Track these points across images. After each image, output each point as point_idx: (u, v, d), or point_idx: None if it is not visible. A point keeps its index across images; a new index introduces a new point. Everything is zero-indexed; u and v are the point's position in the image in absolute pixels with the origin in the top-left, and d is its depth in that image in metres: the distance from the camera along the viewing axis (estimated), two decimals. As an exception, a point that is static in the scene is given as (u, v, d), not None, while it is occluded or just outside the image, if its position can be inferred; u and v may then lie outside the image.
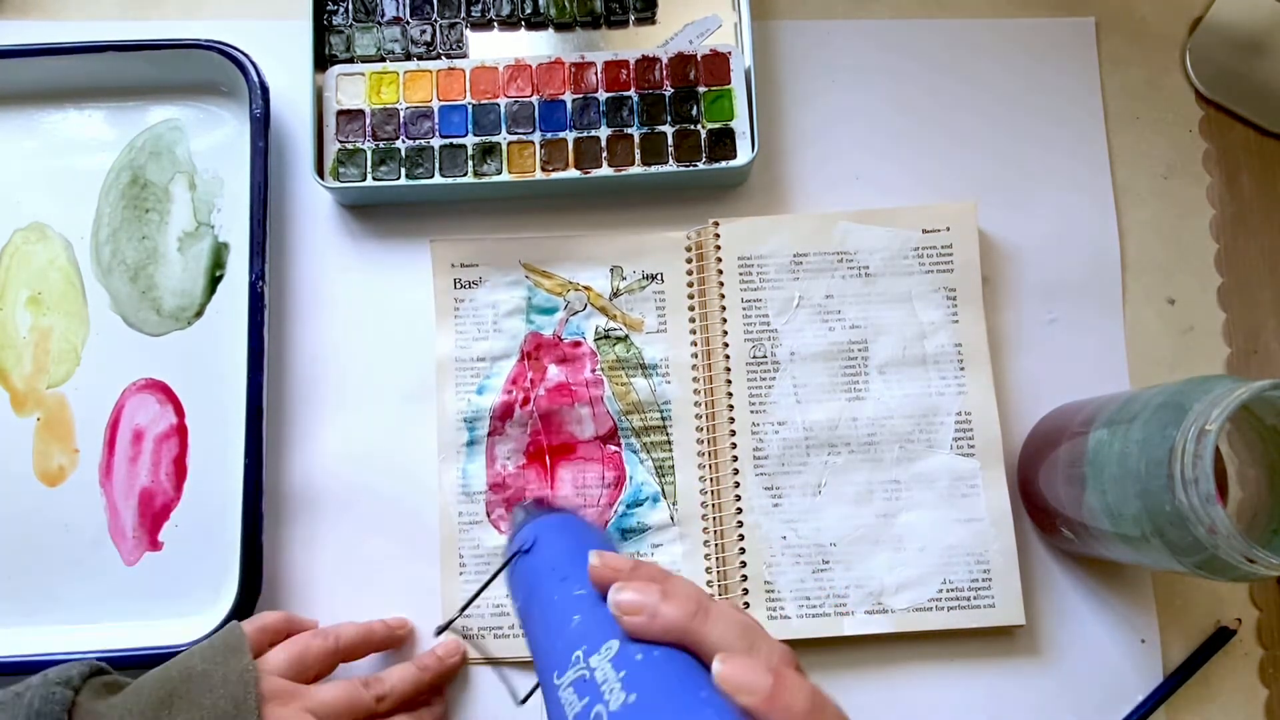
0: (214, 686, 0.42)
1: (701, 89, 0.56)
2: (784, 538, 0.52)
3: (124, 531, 0.52)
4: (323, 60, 0.56)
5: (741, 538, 0.52)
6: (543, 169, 0.55)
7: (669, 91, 0.56)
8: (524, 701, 0.44)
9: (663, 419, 0.54)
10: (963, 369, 0.54)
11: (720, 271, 0.55)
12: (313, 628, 0.50)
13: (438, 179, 0.55)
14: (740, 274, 0.54)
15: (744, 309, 0.54)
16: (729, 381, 0.54)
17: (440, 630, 0.46)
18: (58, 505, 0.52)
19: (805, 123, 0.58)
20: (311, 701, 0.44)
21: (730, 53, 0.56)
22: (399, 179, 0.55)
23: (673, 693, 0.27)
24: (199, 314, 0.55)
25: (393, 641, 0.51)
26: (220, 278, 0.55)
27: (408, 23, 0.57)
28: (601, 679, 0.28)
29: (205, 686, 0.42)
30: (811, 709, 0.27)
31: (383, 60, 0.57)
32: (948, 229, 0.55)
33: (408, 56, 0.57)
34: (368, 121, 0.56)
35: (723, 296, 0.54)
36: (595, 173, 0.55)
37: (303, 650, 0.46)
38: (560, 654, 0.30)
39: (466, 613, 0.52)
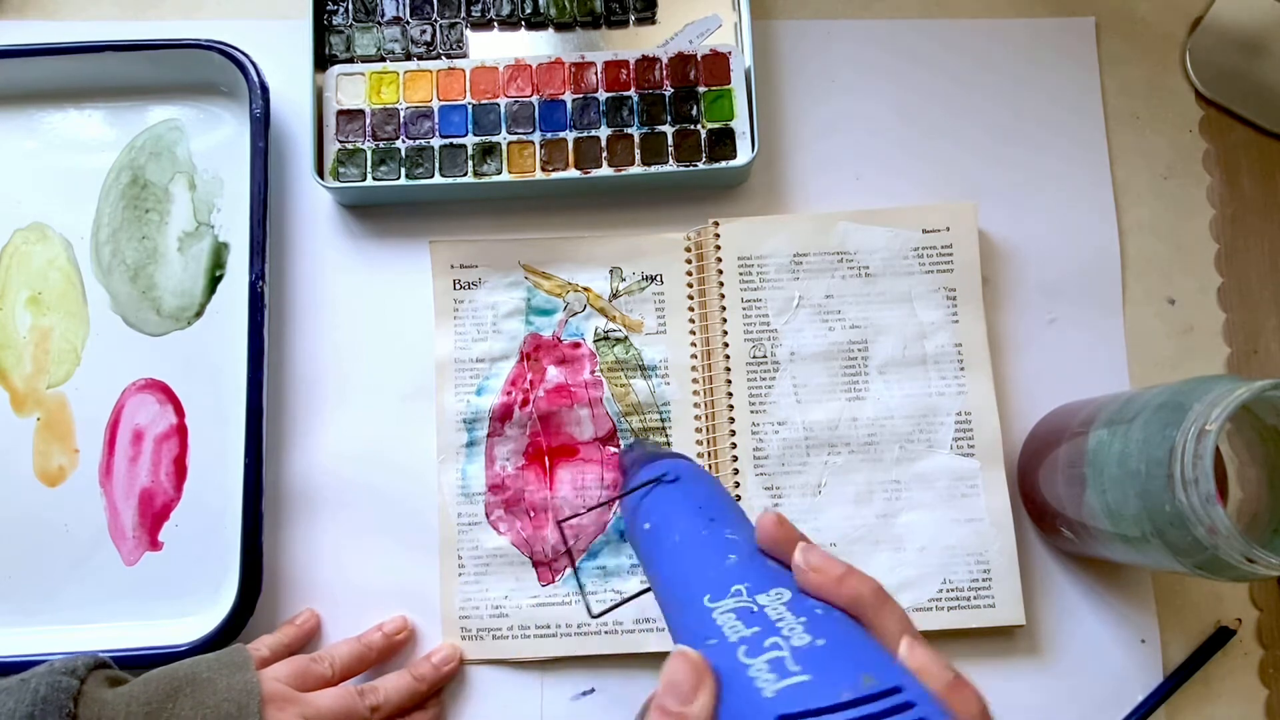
0: (218, 690, 0.42)
1: (701, 89, 0.56)
2: (784, 538, 0.52)
3: (124, 531, 0.52)
4: (323, 60, 0.56)
5: (741, 538, 0.52)
6: (543, 169, 0.55)
7: (669, 91, 0.56)
8: (600, 615, 0.44)
9: (662, 420, 0.54)
10: (963, 369, 0.54)
11: (720, 272, 0.55)
12: (309, 630, 0.51)
13: (438, 179, 0.55)
14: (740, 274, 0.54)
15: (744, 309, 0.54)
16: (729, 382, 0.54)
17: (597, 616, 0.46)
18: (58, 505, 0.52)
19: (805, 123, 0.58)
20: (309, 709, 0.44)
21: (730, 53, 0.56)
22: (399, 179, 0.55)
23: (865, 650, 0.27)
24: (199, 314, 0.55)
25: (392, 649, 0.51)
26: (220, 278, 0.55)
27: (408, 23, 0.57)
28: (776, 616, 0.28)
29: (210, 689, 0.42)
30: (984, 715, 0.27)
31: (383, 60, 0.57)
32: (948, 229, 0.55)
33: (408, 56, 0.57)
34: (368, 121, 0.56)
35: (723, 297, 0.54)
36: (595, 173, 0.55)
37: (303, 670, 0.47)
38: (714, 582, 0.31)
39: (466, 614, 0.52)
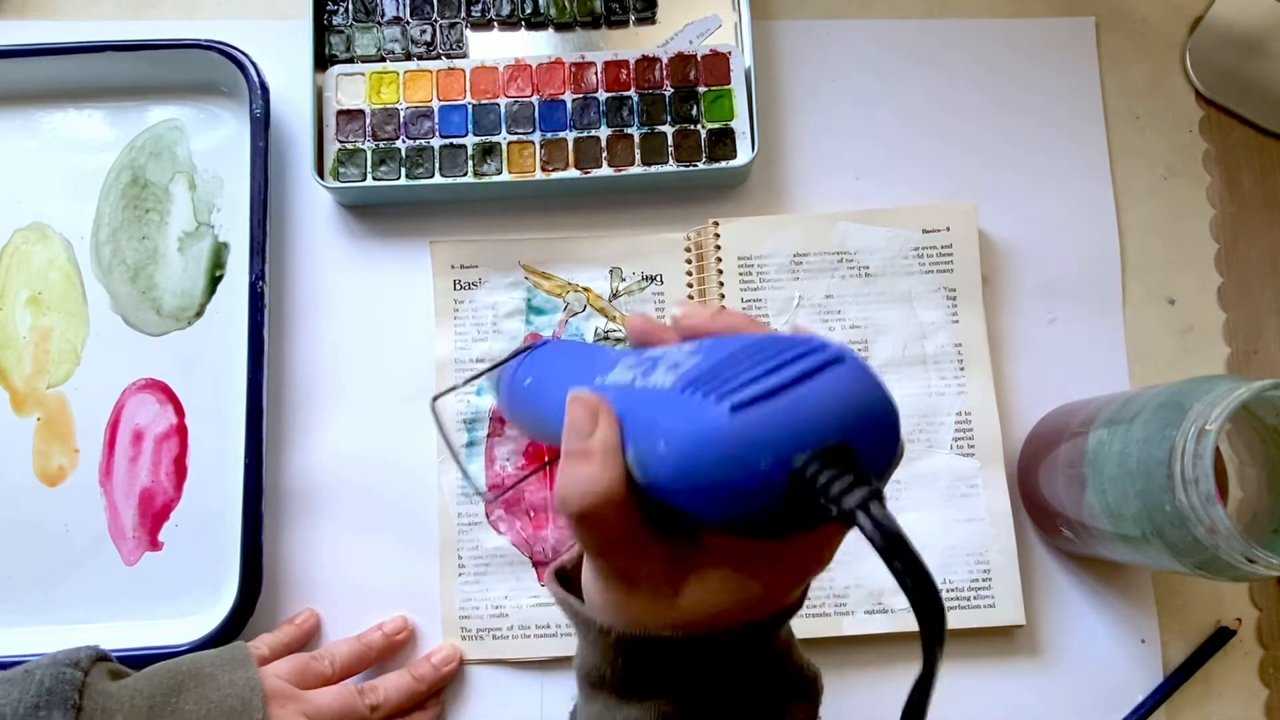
0: (221, 686, 0.42)
1: (701, 89, 0.56)
2: (784, 538, 0.52)
3: (124, 531, 0.52)
4: (323, 60, 0.56)
5: (741, 538, 0.52)
6: (543, 169, 0.55)
7: (669, 91, 0.56)
8: (495, 498, 0.46)
9: (663, 419, 0.54)
10: (963, 369, 0.54)
11: (720, 272, 0.55)
12: (308, 630, 0.51)
13: (438, 179, 0.55)
14: (740, 274, 0.54)
15: (744, 309, 0.54)
16: (729, 381, 0.53)
17: (435, 398, 0.46)
18: (58, 505, 0.52)
19: (805, 123, 0.58)
20: (309, 707, 0.44)
21: (730, 53, 0.56)
22: (399, 179, 0.55)
23: (749, 338, 0.28)
24: (199, 314, 0.55)
25: (392, 649, 0.51)
26: (220, 278, 0.55)
27: (408, 23, 0.57)
28: (661, 355, 0.29)
29: (213, 684, 0.42)
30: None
31: (383, 60, 0.57)
32: (948, 229, 0.55)
33: (408, 56, 0.57)
34: (368, 121, 0.56)
35: (723, 297, 0.54)
36: (595, 173, 0.55)
37: (304, 668, 0.47)
38: (602, 366, 0.31)
39: (466, 614, 0.52)
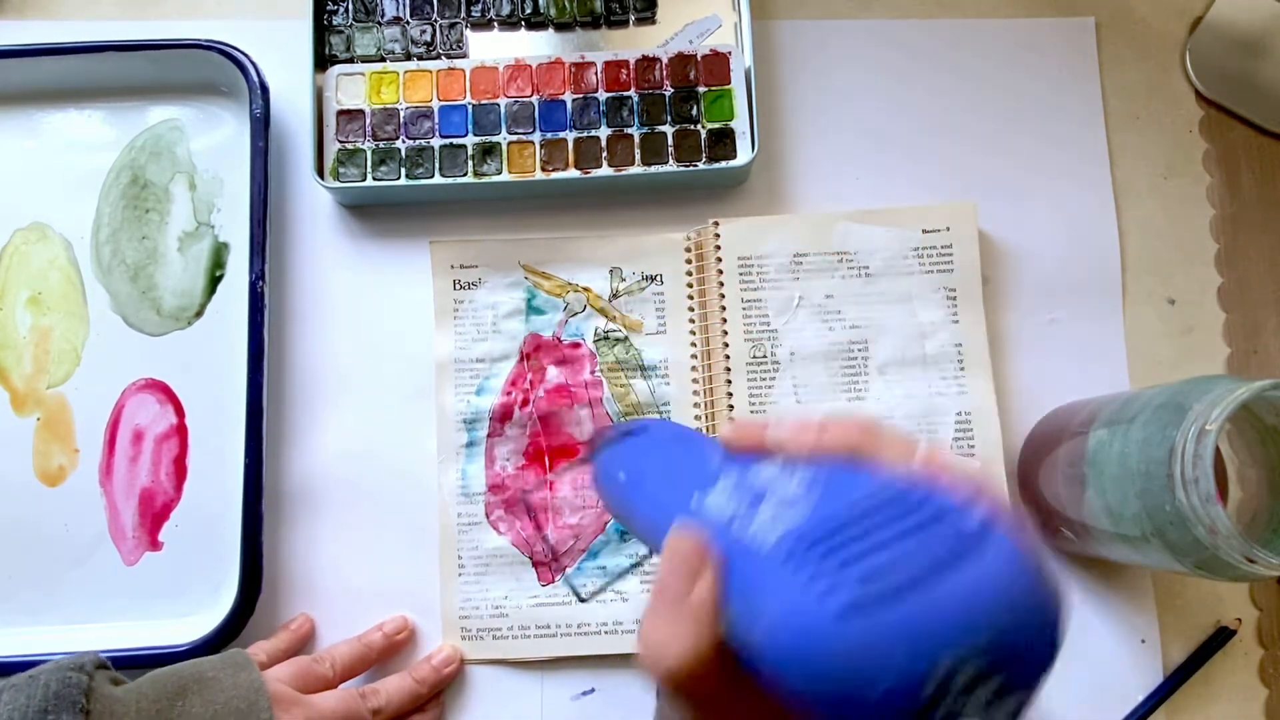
0: (226, 689, 0.42)
1: (701, 89, 0.56)
2: (784, 538, 0.52)
3: (124, 531, 0.52)
4: (323, 60, 0.56)
5: (741, 538, 0.52)
6: (543, 169, 0.55)
7: (669, 91, 0.56)
8: (590, 597, 0.42)
9: (663, 419, 0.54)
10: (963, 369, 0.54)
11: (720, 272, 0.55)
12: (304, 635, 0.51)
13: (438, 179, 0.55)
14: (740, 274, 0.54)
15: (744, 309, 0.54)
16: (729, 382, 0.54)
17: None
18: (58, 505, 0.52)
19: (805, 123, 0.58)
20: (312, 711, 0.44)
21: (730, 53, 0.56)
22: (399, 179, 0.55)
23: (858, 476, 0.24)
24: (199, 314, 0.55)
25: (393, 649, 0.51)
26: (220, 278, 0.55)
27: (408, 23, 0.57)
28: (767, 479, 0.25)
29: (218, 687, 0.42)
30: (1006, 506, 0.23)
31: (383, 60, 0.57)
32: (948, 229, 0.55)
33: (408, 56, 0.57)
34: (368, 121, 0.56)
35: (723, 297, 0.54)
36: (595, 173, 0.55)
37: (305, 671, 0.47)
38: (700, 481, 0.28)
39: (466, 614, 0.52)
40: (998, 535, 0.20)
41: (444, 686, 0.51)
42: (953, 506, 0.21)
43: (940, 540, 0.20)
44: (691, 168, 0.55)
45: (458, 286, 0.55)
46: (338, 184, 0.54)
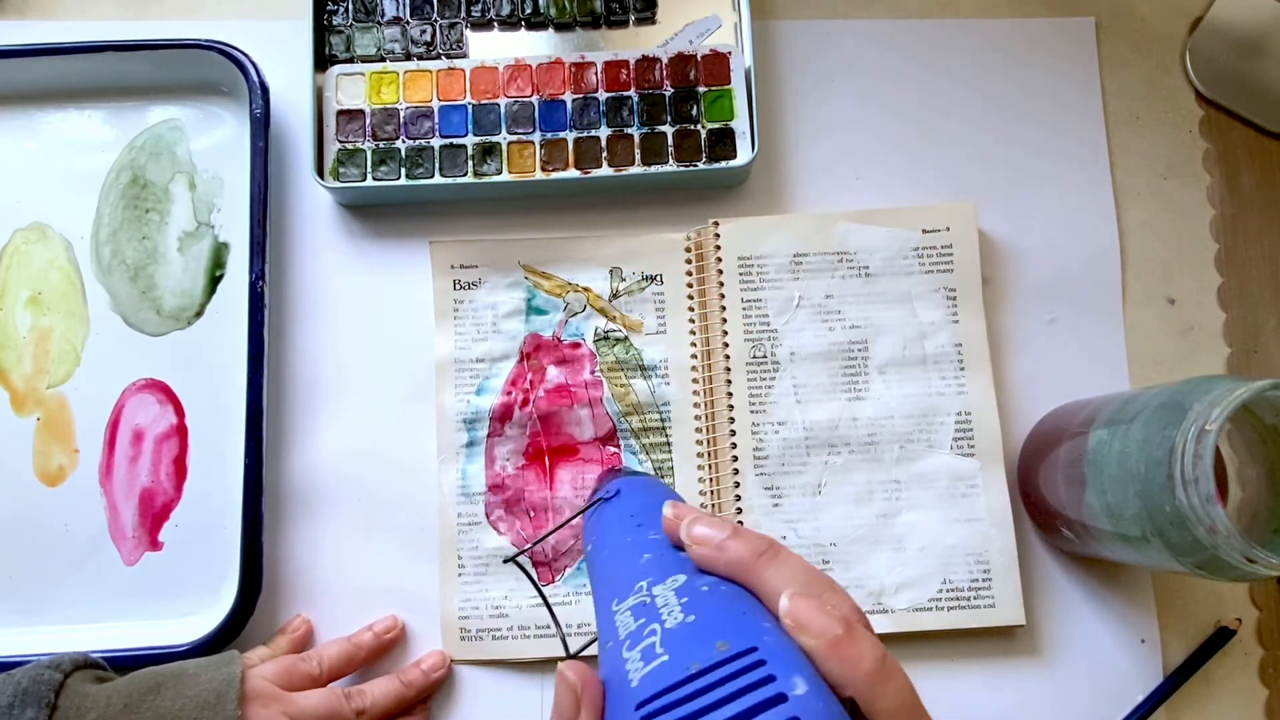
0: (200, 683, 0.42)
1: (701, 89, 0.56)
2: (784, 538, 0.52)
3: (124, 531, 0.52)
4: (323, 60, 0.56)
5: (741, 538, 0.52)
6: (543, 169, 0.55)
7: (669, 91, 0.56)
8: (575, 654, 0.44)
9: (662, 420, 0.54)
10: (963, 369, 0.54)
11: (720, 272, 0.55)
12: (301, 637, 0.51)
13: (438, 179, 0.55)
14: (740, 274, 0.54)
15: (744, 309, 0.54)
16: (729, 382, 0.54)
17: (507, 560, 0.45)
18: (58, 505, 0.52)
19: (805, 123, 0.58)
20: (293, 708, 0.44)
21: (730, 53, 0.56)
22: (399, 179, 0.55)
23: (733, 617, 0.26)
24: (199, 314, 0.55)
25: (383, 648, 0.51)
26: (220, 278, 0.55)
27: (408, 23, 0.57)
28: (662, 603, 0.27)
29: (193, 682, 0.42)
30: (879, 670, 0.24)
31: (383, 60, 0.57)
32: (948, 229, 0.55)
33: (408, 56, 0.57)
34: (368, 121, 0.56)
35: (723, 297, 0.54)
36: (595, 173, 0.55)
37: (289, 668, 0.47)
38: (623, 584, 0.30)
39: (465, 614, 0.52)
40: (795, 703, 0.22)
41: (432, 691, 0.51)
42: (760, 675, 0.23)
43: (743, 700, 0.22)
44: (691, 168, 0.55)
45: (458, 286, 0.55)
46: (338, 184, 0.54)
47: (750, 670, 0.23)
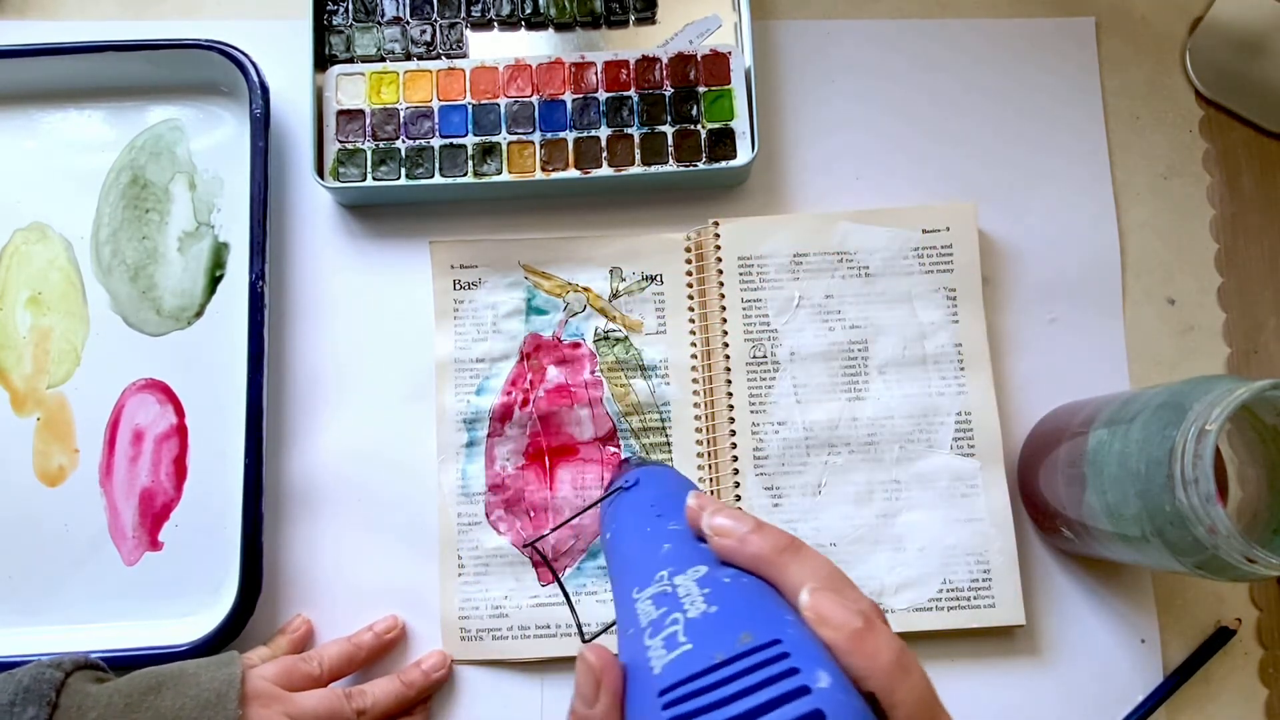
0: (200, 682, 0.42)
1: (701, 89, 0.56)
2: (784, 538, 0.52)
3: (124, 531, 0.52)
4: (323, 60, 0.56)
5: (741, 538, 0.52)
6: (543, 169, 0.55)
7: (669, 91, 0.56)
8: (591, 638, 0.44)
9: (662, 420, 0.54)
10: (963, 369, 0.54)
11: (720, 272, 0.55)
12: (301, 638, 0.51)
13: (438, 179, 0.55)
14: (740, 274, 0.54)
15: (744, 309, 0.54)
16: (729, 382, 0.54)
17: (527, 544, 0.45)
18: (58, 505, 0.52)
19: (805, 123, 0.58)
20: (293, 708, 0.44)
21: (730, 53, 0.56)
22: (399, 179, 0.55)
23: (756, 610, 0.26)
24: (199, 314, 0.55)
25: (383, 648, 0.51)
26: (220, 278, 0.55)
27: (408, 23, 0.57)
28: (684, 593, 0.28)
29: (193, 682, 0.43)
30: (898, 663, 0.25)
31: (383, 60, 0.57)
32: (948, 229, 0.55)
33: (408, 56, 0.57)
34: (368, 121, 0.56)
35: (723, 296, 0.54)
36: (595, 173, 0.55)
37: (290, 668, 0.47)
38: (644, 573, 0.30)
39: (465, 614, 0.52)
40: (819, 694, 0.22)
41: (432, 692, 0.51)
42: (785, 667, 0.23)
43: (766, 691, 0.23)
44: (691, 168, 0.55)
45: (458, 286, 0.55)
46: (338, 184, 0.54)
47: (774, 662, 0.24)
